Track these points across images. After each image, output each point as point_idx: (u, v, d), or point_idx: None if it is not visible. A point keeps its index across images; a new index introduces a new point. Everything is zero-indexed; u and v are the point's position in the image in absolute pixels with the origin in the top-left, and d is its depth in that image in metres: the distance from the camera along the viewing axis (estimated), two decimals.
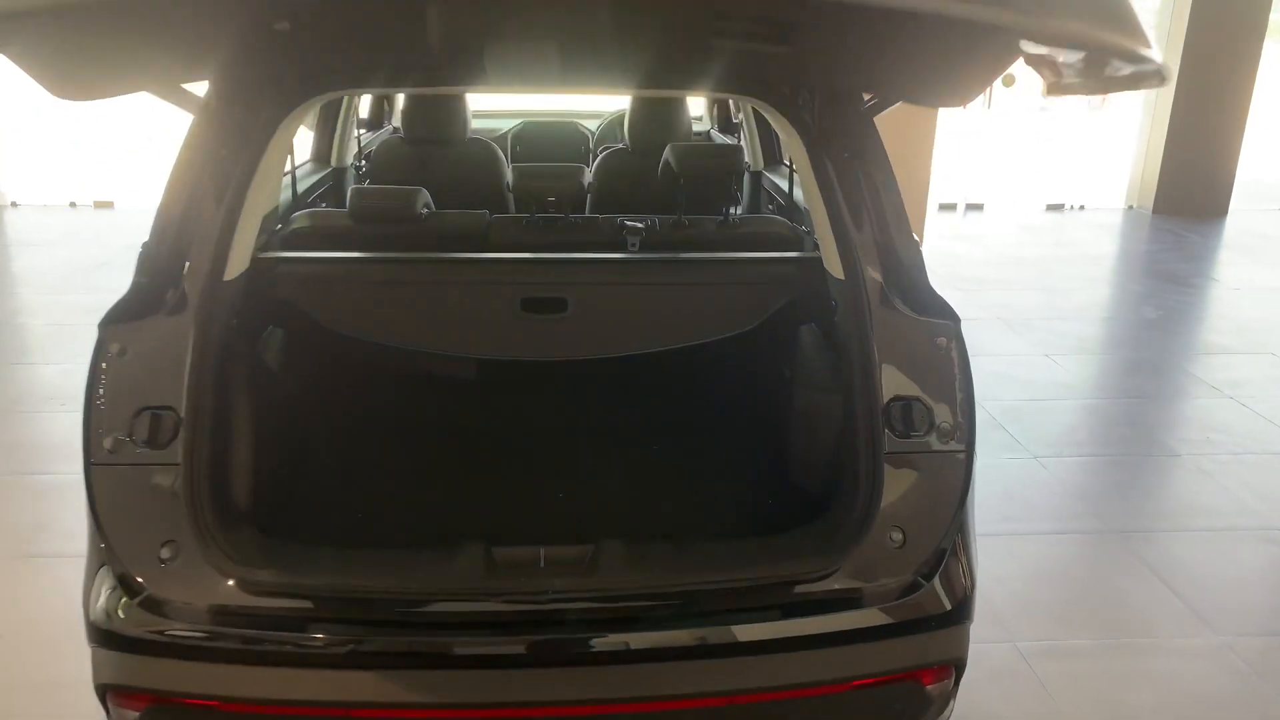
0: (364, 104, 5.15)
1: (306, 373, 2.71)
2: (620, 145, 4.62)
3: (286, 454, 2.58)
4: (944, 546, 2.19)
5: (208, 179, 2.24)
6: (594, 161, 5.26)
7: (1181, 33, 9.75)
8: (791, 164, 3.24)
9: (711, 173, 2.98)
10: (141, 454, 2.11)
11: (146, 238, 2.22)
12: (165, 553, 2.07)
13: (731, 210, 2.98)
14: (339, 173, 4.30)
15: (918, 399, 2.24)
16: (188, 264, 2.20)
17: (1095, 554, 3.86)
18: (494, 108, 6.18)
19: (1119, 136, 14.33)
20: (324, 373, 2.81)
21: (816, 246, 2.89)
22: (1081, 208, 10.49)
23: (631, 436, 2.95)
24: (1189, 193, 10.09)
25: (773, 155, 4.29)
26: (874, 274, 2.30)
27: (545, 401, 3.02)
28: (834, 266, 2.37)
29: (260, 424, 2.36)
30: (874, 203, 2.33)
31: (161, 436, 2.12)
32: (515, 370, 2.83)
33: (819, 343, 2.68)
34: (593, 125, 5.78)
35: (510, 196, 4.12)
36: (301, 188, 3.73)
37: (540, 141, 5.62)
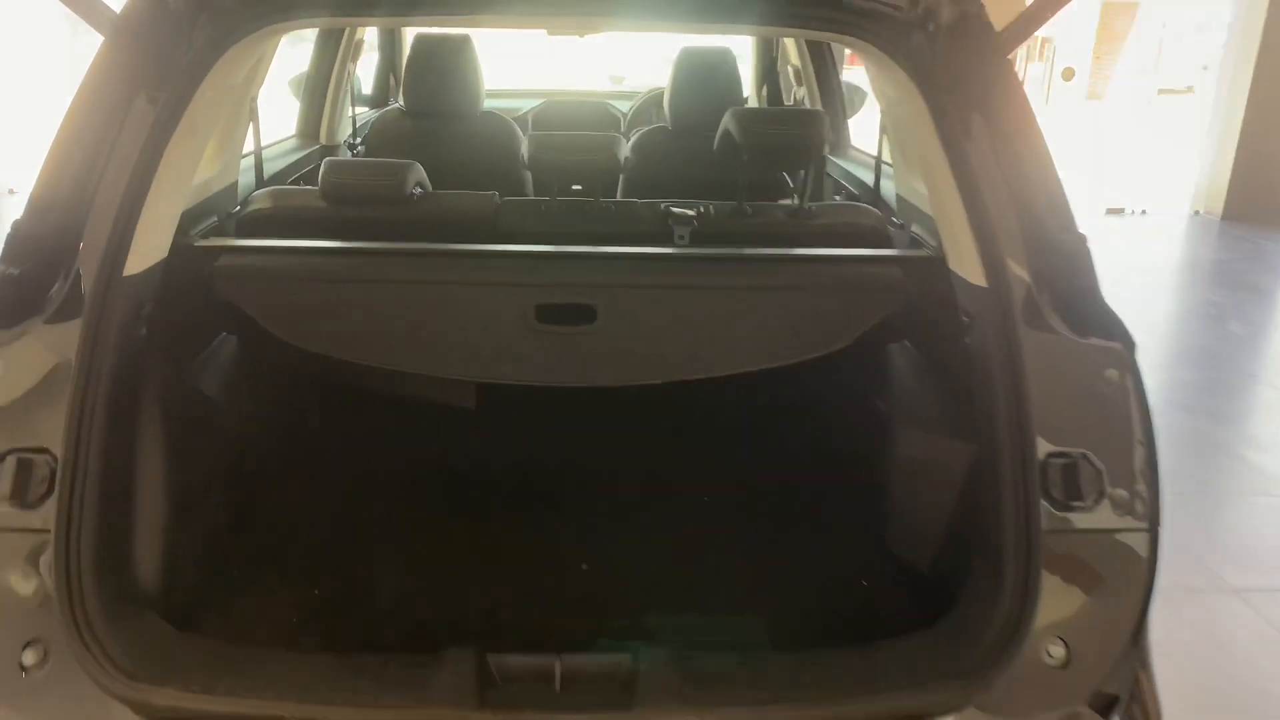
0: (366, 80, 4.53)
1: (248, 400, 2.09)
2: (658, 124, 3.98)
3: (215, 514, 1.96)
4: (1123, 666, 1.56)
5: (108, 129, 1.63)
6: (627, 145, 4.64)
7: (1259, 26, 9.04)
8: (883, 138, 2.57)
9: (786, 146, 2.32)
10: (2, 515, 1.51)
11: (19, 215, 1.62)
12: (28, 657, 1.48)
13: (804, 195, 2.34)
14: (329, 152, 3.66)
15: (1084, 456, 1.61)
16: (78, 249, 1.60)
17: (1212, 619, 3.19)
18: (510, 86, 5.51)
19: (1182, 137, 13.55)
20: (272, 400, 2.18)
21: (916, 241, 2.25)
22: (1143, 212, 9.77)
23: (677, 490, 2.29)
24: (1264, 197, 9.35)
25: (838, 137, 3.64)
26: (1022, 278, 1.67)
27: (564, 441, 2.39)
28: (968, 268, 1.73)
29: (177, 472, 1.74)
30: (1022, 179, 1.70)
31: (31, 490, 1.52)
32: (526, 399, 2.18)
33: (931, 369, 2.04)
34: (624, 106, 5.13)
35: (528, 177, 3.49)
36: (278, 167, 3.11)
37: (565, 123, 4.98)
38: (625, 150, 2.25)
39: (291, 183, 3.25)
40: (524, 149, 3.14)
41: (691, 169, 3.26)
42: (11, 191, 9.13)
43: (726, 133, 2.29)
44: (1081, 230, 1.70)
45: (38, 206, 1.61)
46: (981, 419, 1.73)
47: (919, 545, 1.95)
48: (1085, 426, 1.63)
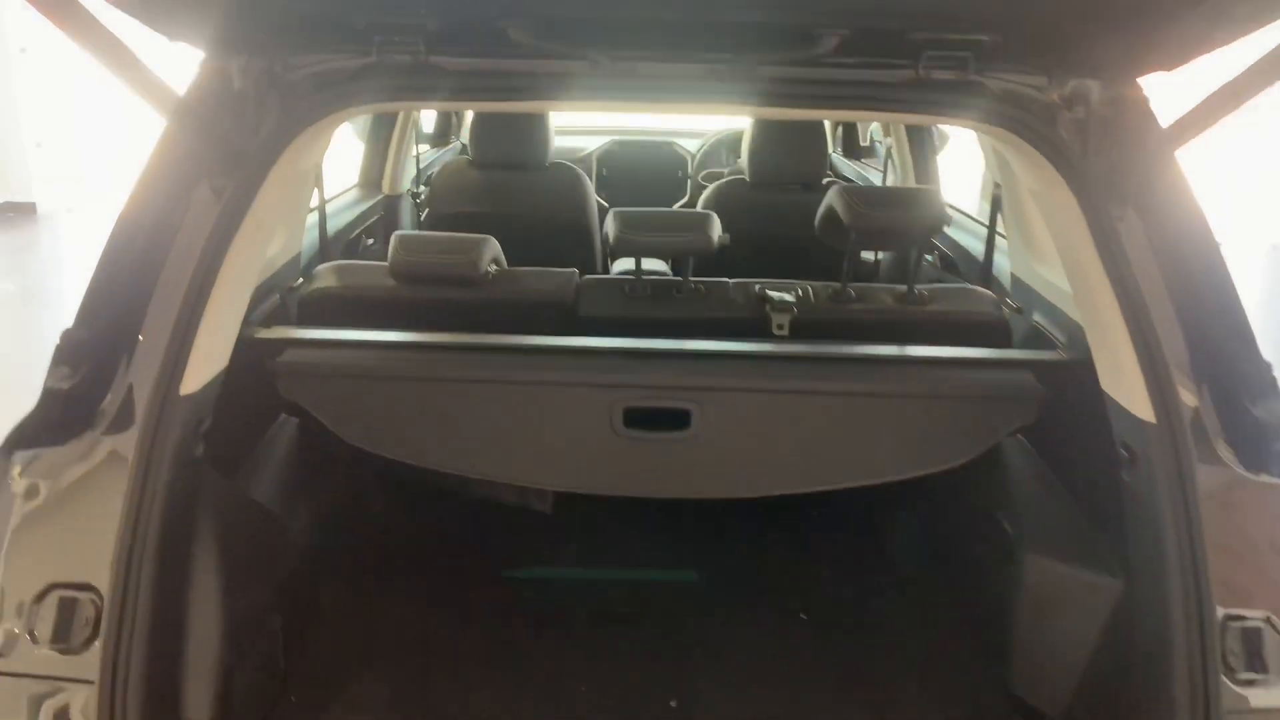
0: (427, 115, 4.39)
1: (311, 510, 1.91)
2: (731, 172, 3.78)
3: (272, 639, 1.78)
4: None
5: (168, 223, 1.48)
6: (695, 191, 4.45)
7: None
8: (996, 210, 2.33)
9: (899, 230, 2.11)
10: (44, 658, 1.35)
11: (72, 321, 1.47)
12: None
13: (913, 278, 2.13)
14: (392, 202, 3.51)
15: (1268, 621, 1.39)
16: (128, 365, 1.44)
17: None
18: (575, 124, 5.34)
19: None
20: (336, 508, 2.01)
21: (1039, 334, 2.03)
22: None
23: (772, 610, 2.08)
24: None
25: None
26: (1193, 406, 1.45)
27: (654, 557, 2.18)
28: (1129, 396, 1.50)
29: (233, 599, 1.57)
30: (1194, 298, 1.48)
31: (75, 632, 1.37)
32: (613, 510, 1.98)
33: (1069, 488, 1.82)
34: (691, 145, 4.94)
35: (598, 231, 3.31)
36: (342, 221, 2.96)
37: (631, 165, 4.79)
38: (717, 229, 2.06)
39: (355, 237, 3.10)
40: (594, 205, 2.92)
41: (772, 225, 3.07)
42: (70, 210, 9.14)
43: (831, 211, 2.09)
44: (1266, 358, 1.47)
45: (91, 310, 1.46)
46: (1140, 564, 1.51)
47: (1049, 692, 1.72)
48: (1268, 584, 1.41)
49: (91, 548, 1.39)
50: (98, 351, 1.45)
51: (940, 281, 2.80)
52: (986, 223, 2.45)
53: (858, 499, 2.03)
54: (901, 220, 2.06)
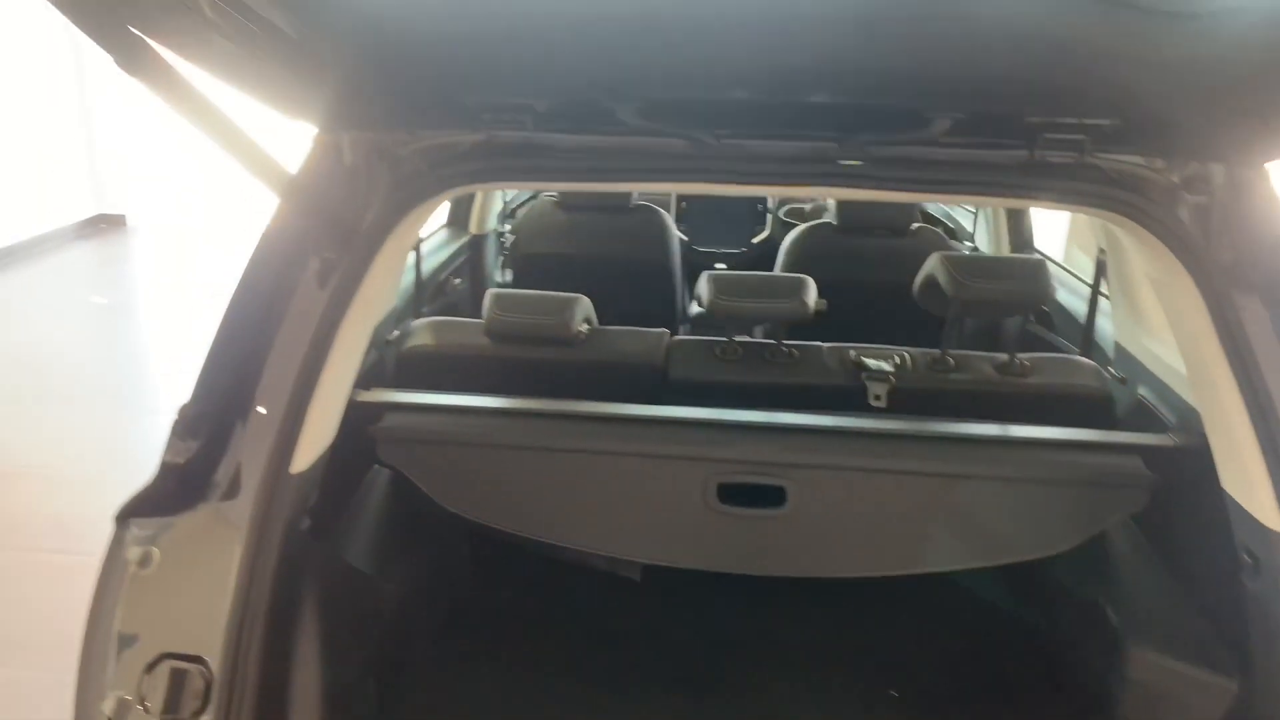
0: None
1: (407, 573, 1.93)
2: (813, 209, 3.75)
3: (369, 704, 1.80)
4: None
5: (280, 301, 1.51)
6: (776, 225, 4.41)
7: None
8: (1100, 275, 2.26)
9: (1005, 302, 2.07)
10: None
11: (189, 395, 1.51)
12: None
13: (1014, 348, 2.08)
14: (478, 242, 3.55)
15: None
16: (240, 441, 1.47)
17: None
18: None
19: None
20: (431, 570, 2.02)
21: (1145, 409, 1.97)
22: None
23: (863, 689, 2.04)
24: None
25: (1022, 243, 3.32)
26: None
27: (743, 626, 2.16)
28: (1254, 500, 1.44)
29: (333, 666, 1.59)
30: None
31: (185, 704, 1.39)
32: (703, 579, 1.97)
33: (1180, 580, 1.75)
34: None
35: (680, 273, 3.31)
36: (433, 263, 3.00)
37: (710, 200, 4.79)
38: (813, 295, 2.03)
39: (445, 279, 3.14)
40: (678, 247, 2.89)
41: (861, 272, 3.03)
42: (156, 223, 9.39)
43: (931, 280, 2.05)
44: None
45: (205, 386, 1.49)
46: (1262, 667, 1.45)
47: None
48: None
49: (201, 619, 1.42)
50: (212, 427, 1.48)
51: (1033, 334, 2.74)
52: (1085, 279, 2.39)
53: (964, 588, 1.98)
54: (1005, 294, 2.01)
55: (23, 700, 2.87)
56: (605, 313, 2.57)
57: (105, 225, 8.78)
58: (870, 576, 1.95)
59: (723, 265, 4.14)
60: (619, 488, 1.85)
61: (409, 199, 1.56)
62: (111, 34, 1.07)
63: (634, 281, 3.26)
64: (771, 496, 1.79)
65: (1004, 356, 2.07)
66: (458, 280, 3.30)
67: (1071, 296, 2.70)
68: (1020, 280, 2.02)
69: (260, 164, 1.39)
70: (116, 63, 1.11)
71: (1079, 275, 2.83)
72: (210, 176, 8.34)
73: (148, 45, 1.14)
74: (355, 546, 1.86)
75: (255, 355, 1.50)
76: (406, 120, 1.58)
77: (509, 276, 3.60)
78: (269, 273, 1.52)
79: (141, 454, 4.63)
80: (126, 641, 1.43)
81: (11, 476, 4.24)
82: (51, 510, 3.96)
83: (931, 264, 2.05)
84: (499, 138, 1.54)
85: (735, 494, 1.80)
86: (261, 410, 1.48)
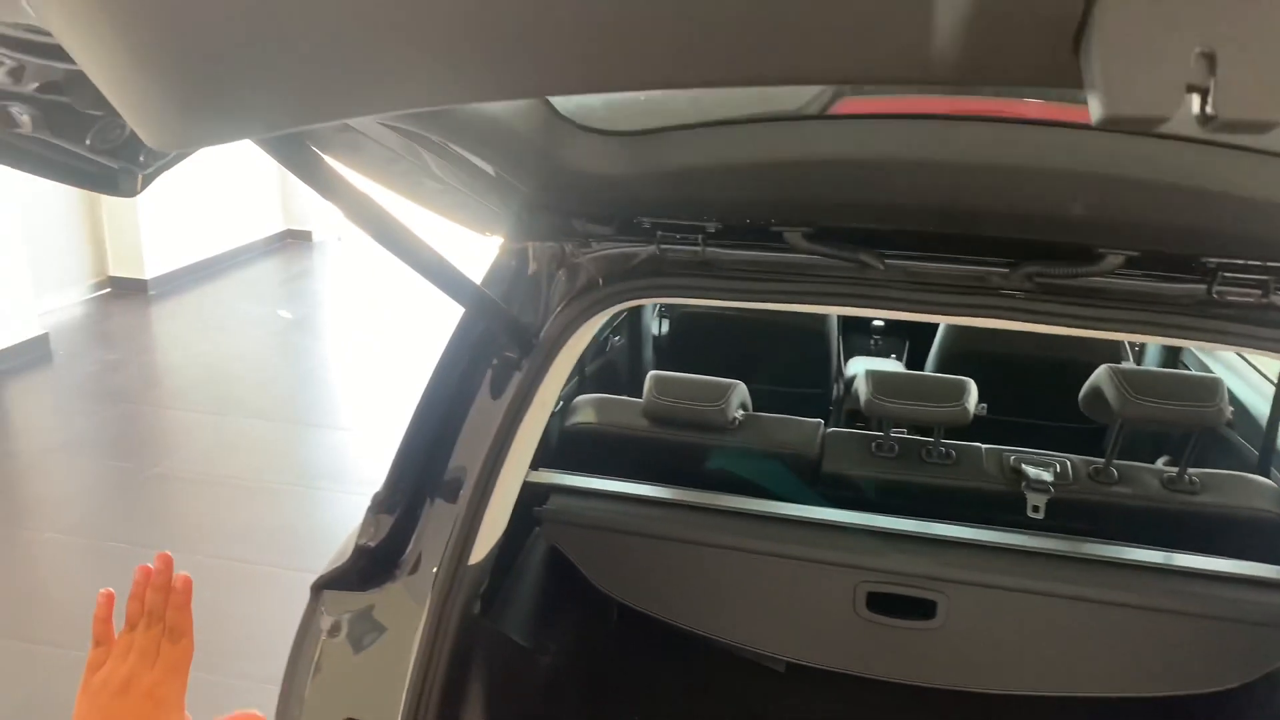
0: None
1: (557, 647, 2.04)
2: None
3: None
4: None
5: (461, 405, 1.64)
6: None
7: None
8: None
9: (1177, 422, 2.01)
10: None
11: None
12: None
13: (1185, 464, 2.01)
14: (636, 313, 3.66)
15: None
16: (423, 533, 1.61)
17: None
18: None
19: None
20: (584, 649, 2.12)
21: None
22: None
23: None
24: None
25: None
26: None
27: None
28: None
29: None
30: None
31: None
32: (849, 683, 1.99)
33: None
34: None
35: (836, 341, 3.32)
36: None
37: None
38: (973, 399, 2.03)
39: (605, 337, 3.26)
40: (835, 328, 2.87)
41: (1009, 351, 2.96)
42: (339, 239, 9.98)
43: (1097, 392, 2.01)
44: None
45: (394, 480, 1.64)
46: None
47: None
48: None
49: (383, 690, 1.56)
50: (400, 517, 1.62)
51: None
52: (1270, 376, 2.28)
53: (1110, 704, 1.93)
54: (1174, 415, 1.95)
55: (202, 703, 3.14)
56: (759, 369, 2.60)
57: (292, 240, 9.42)
58: (1029, 703, 1.93)
59: (880, 321, 4.11)
60: (768, 586, 1.90)
61: (586, 308, 1.66)
62: (296, 155, 1.20)
63: (789, 336, 3.29)
64: (922, 608, 1.81)
65: (1173, 470, 2.01)
66: (617, 338, 3.41)
67: (1254, 394, 2.57)
68: (1192, 402, 1.96)
69: (448, 279, 1.52)
70: (299, 178, 1.24)
71: (1263, 371, 2.69)
72: (392, 196, 8.81)
73: (332, 167, 1.27)
74: (513, 618, 1.98)
75: (440, 452, 1.63)
76: (586, 233, 1.69)
77: (665, 328, 3.69)
78: (454, 374, 1.66)
79: (322, 469, 5.00)
80: (318, 703, 1.58)
81: (207, 484, 4.64)
82: (239, 520, 4.32)
83: (1099, 376, 2.01)
84: (671, 253, 1.63)
85: (885, 603, 1.82)
86: (443, 505, 1.62)
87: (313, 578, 1.67)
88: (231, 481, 4.66)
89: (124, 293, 7.39)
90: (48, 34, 0.67)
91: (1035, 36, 0.50)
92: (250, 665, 3.25)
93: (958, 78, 0.52)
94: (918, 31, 0.50)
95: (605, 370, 3.26)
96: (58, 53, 0.72)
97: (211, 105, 0.62)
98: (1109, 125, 0.48)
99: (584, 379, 2.97)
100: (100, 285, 7.41)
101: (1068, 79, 0.52)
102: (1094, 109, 0.49)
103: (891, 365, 3.34)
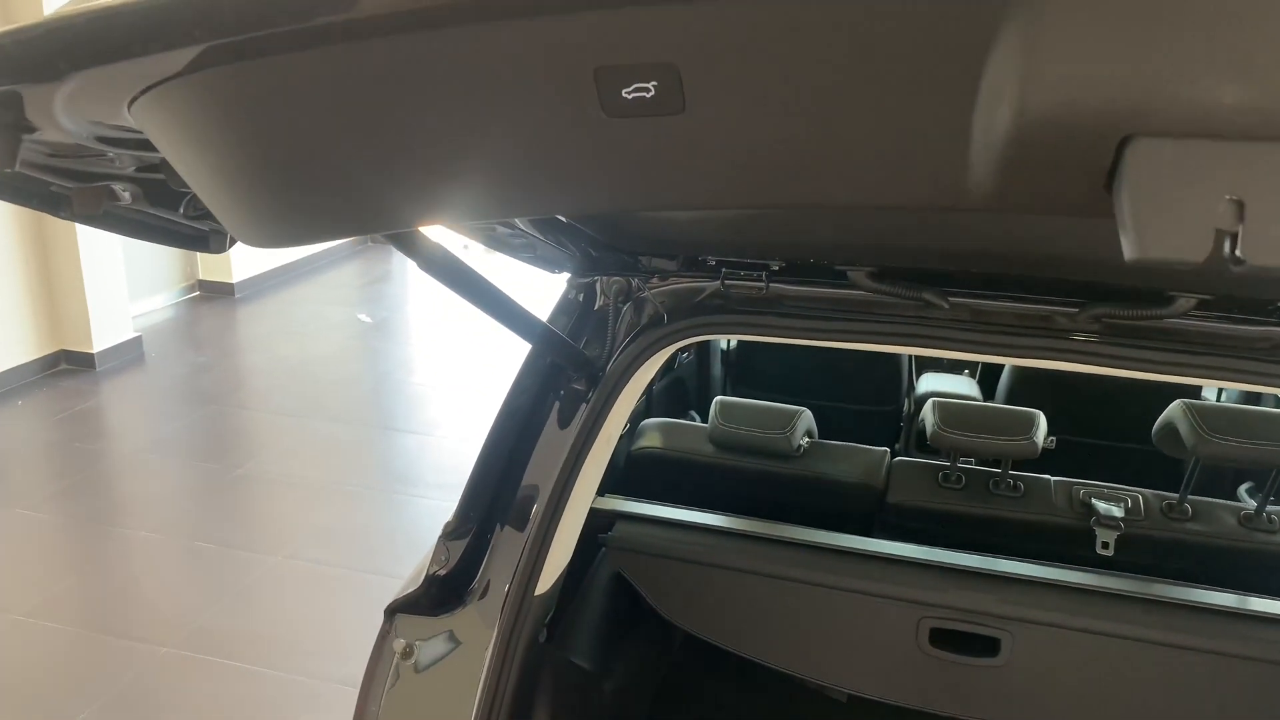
0: None
1: (625, 675, 2.07)
2: None
3: None
4: None
5: (528, 439, 1.69)
6: None
7: None
8: None
9: (1253, 462, 1.96)
10: None
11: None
12: None
13: (1265, 501, 1.96)
14: None
15: None
16: (491, 563, 1.66)
17: None
18: None
19: None
20: (649, 675, 2.15)
21: None
22: None
23: None
24: None
25: None
26: None
27: None
28: None
29: None
30: None
31: None
32: (910, 715, 1.99)
33: None
34: None
35: (908, 364, 3.29)
36: None
37: None
38: (1042, 432, 2.01)
39: (674, 354, 3.28)
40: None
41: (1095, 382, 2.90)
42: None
43: (1171, 428, 1.97)
44: None
45: (464, 512, 1.69)
46: None
47: None
48: None
49: (452, 712, 1.62)
50: (469, 546, 1.68)
51: None
52: None
53: None
54: (1252, 454, 1.90)
55: (278, 701, 3.27)
56: (829, 386, 2.58)
57: (373, 243, 9.64)
58: None
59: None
60: (830, 618, 1.91)
61: (652, 343, 1.69)
62: None
63: (859, 352, 3.26)
64: (986, 646, 1.80)
65: (1249, 507, 1.96)
66: (685, 354, 3.44)
67: None
68: (1271, 441, 1.90)
69: (515, 319, 1.56)
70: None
71: None
72: (456, 238, 8.98)
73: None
74: (578, 642, 2.03)
75: (508, 485, 1.68)
76: (652, 269, 1.72)
77: (733, 344, 3.70)
78: (522, 406, 1.71)
79: (398, 472, 5.13)
80: None
81: (287, 485, 4.81)
82: (315, 521, 4.46)
83: (1173, 411, 1.97)
84: (735, 289, 1.65)
85: (948, 639, 1.82)
86: (512, 533, 1.67)
87: (386, 581, 1.74)
88: (310, 483, 4.82)
89: (212, 296, 7.68)
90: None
91: (1069, 173, 0.52)
92: (325, 665, 3.37)
93: (993, 206, 0.54)
94: (955, 167, 0.52)
95: (674, 386, 3.29)
96: (152, 145, 0.78)
97: (288, 220, 0.67)
98: (1140, 265, 0.50)
99: (652, 396, 3.00)
100: (190, 289, 7.71)
101: (1101, 210, 0.53)
102: (1126, 249, 0.51)
103: (964, 382, 3.30)
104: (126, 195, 0.97)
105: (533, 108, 0.57)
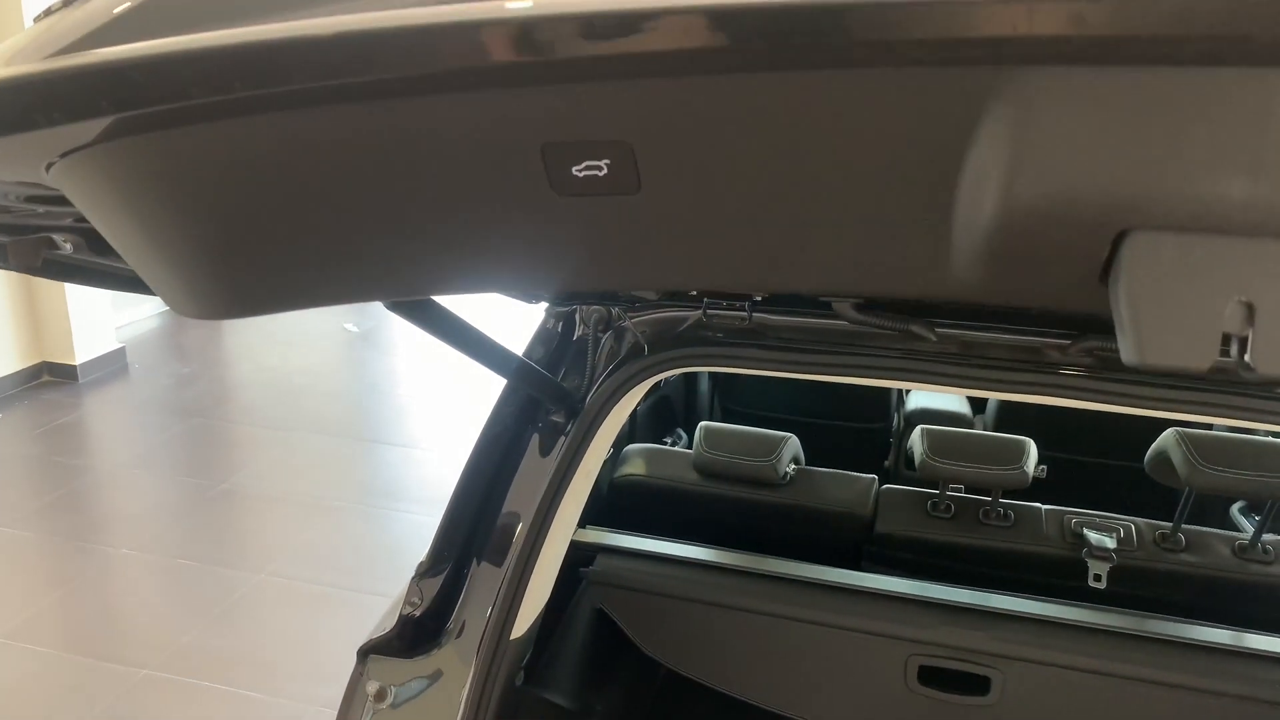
0: None
1: (605, 713, 2.02)
2: None
3: None
4: None
5: (503, 477, 1.64)
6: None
7: None
8: None
9: (1248, 493, 1.93)
10: None
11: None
12: None
13: (1261, 531, 1.92)
14: None
15: None
16: (465, 604, 1.61)
17: None
18: None
19: None
20: (630, 712, 2.10)
21: None
22: None
23: None
24: None
25: None
26: None
27: None
28: None
29: None
30: None
31: None
32: None
33: None
34: None
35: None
36: None
37: None
38: (1032, 461, 1.97)
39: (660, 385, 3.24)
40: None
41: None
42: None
43: (1164, 458, 1.93)
44: None
45: (438, 552, 1.64)
46: None
47: None
48: None
49: None
50: (444, 584, 1.63)
51: None
52: None
53: None
54: (1245, 486, 1.86)
55: None
56: (817, 403, 2.53)
57: None
58: None
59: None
60: (817, 654, 1.86)
61: (632, 375, 1.64)
62: None
63: (852, 387, 3.23)
64: (976, 684, 1.76)
65: (1244, 537, 1.92)
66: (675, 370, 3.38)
67: None
68: (1264, 471, 1.86)
69: (490, 355, 1.50)
70: None
71: None
72: None
73: None
74: (559, 680, 1.97)
75: (485, 521, 1.63)
76: (632, 297, 1.68)
77: None
78: (498, 441, 1.66)
79: (383, 487, 5.07)
80: None
81: (271, 501, 4.75)
82: (299, 538, 4.40)
83: (1166, 440, 1.93)
84: (717, 319, 1.60)
85: (937, 677, 1.77)
86: (489, 569, 1.62)
87: (369, 599, 1.69)
88: (295, 498, 4.76)
89: None
90: None
91: (1060, 267, 0.47)
92: (308, 688, 3.31)
93: (977, 298, 0.50)
94: (935, 257, 0.48)
95: (660, 404, 3.24)
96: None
97: (216, 294, 0.62)
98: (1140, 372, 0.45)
99: (637, 415, 2.95)
100: None
101: (1095, 305, 0.49)
102: (1124, 353, 0.46)
103: (954, 398, 3.26)
104: (68, 246, 0.92)
105: (478, 185, 0.53)
